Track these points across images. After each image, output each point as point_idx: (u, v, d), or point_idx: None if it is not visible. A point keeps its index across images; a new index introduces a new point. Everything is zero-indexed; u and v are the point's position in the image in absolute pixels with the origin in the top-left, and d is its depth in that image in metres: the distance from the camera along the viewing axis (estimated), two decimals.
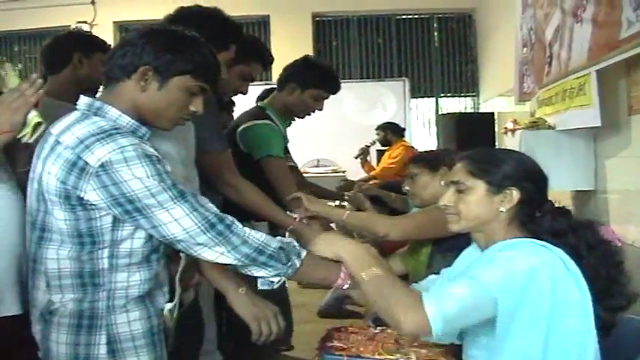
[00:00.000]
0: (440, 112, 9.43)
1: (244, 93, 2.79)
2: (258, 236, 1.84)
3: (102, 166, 1.69)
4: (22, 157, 2.02)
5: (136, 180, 1.70)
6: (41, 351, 1.86)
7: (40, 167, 1.80)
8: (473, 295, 1.62)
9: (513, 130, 4.58)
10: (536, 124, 4.35)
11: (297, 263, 1.87)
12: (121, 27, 9.38)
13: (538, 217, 1.85)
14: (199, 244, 1.77)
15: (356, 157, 7.03)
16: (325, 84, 3.38)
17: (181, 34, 1.92)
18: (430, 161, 2.71)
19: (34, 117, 1.91)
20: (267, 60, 3.23)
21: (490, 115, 7.36)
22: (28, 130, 1.91)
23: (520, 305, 1.63)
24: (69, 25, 9.00)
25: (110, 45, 2.84)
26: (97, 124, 1.77)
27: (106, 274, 1.80)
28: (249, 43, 3.03)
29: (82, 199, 1.72)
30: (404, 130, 7.46)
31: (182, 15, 2.57)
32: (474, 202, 1.86)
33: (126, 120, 1.84)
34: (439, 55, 9.63)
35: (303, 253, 1.90)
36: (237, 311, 2.09)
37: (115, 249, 1.79)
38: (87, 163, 1.69)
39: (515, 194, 1.83)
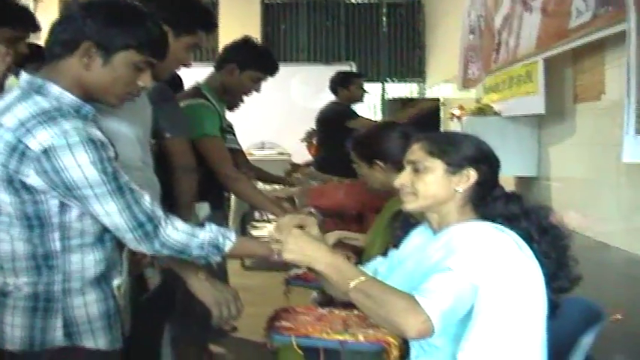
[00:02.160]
0: (386, 97, 9.47)
1: (188, 65, 2.70)
2: (180, 238, 1.82)
3: (44, 151, 1.63)
4: None
5: (77, 168, 1.65)
6: None
7: None
8: (457, 286, 1.61)
9: (460, 117, 4.63)
10: (482, 111, 4.40)
11: (226, 248, 1.89)
12: (67, 3, 9.17)
13: (490, 200, 1.86)
14: (126, 238, 1.77)
15: (302, 141, 7.02)
16: (264, 65, 3.36)
17: (124, 6, 1.85)
18: (364, 156, 2.72)
19: None
20: (211, 24, 2.83)
21: (436, 101, 7.43)
22: None
23: (490, 290, 1.63)
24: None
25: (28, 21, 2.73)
26: (39, 104, 1.69)
27: (59, 255, 1.75)
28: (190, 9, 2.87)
29: (24, 183, 1.67)
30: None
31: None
32: (432, 181, 1.86)
33: (69, 98, 1.75)
34: (387, 40, 9.66)
35: (232, 236, 1.91)
36: (198, 295, 2.06)
37: (66, 230, 1.75)
38: (28, 147, 1.63)
39: (472, 175, 1.84)
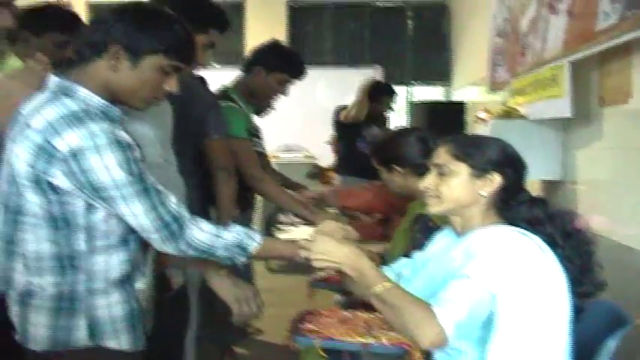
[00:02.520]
0: (411, 101, 9.44)
1: (204, 65, 2.72)
2: (205, 239, 1.86)
3: (71, 152, 1.67)
4: None
5: (103, 169, 1.69)
6: (19, 334, 1.84)
7: (10, 149, 1.77)
8: (474, 294, 1.63)
9: (485, 120, 4.61)
10: (508, 114, 4.38)
11: (251, 249, 1.93)
12: (93, 7, 9.25)
13: (515, 204, 1.86)
14: (151, 239, 1.81)
15: (327, 143, 7.02)
16: (291, 68, 3.39)
17: (154, 11, 1.89)
18: (382, 161, 2.72)
19: None
20: (223, 23, 2.92)
21: (461, 104, 7.40)
22: None
23: (512, 296, 1.64)
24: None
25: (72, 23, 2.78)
26: (67, 106, 1.73)
27: (84, 256, 1.79)
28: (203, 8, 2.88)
29: (51, 184, 1.71)
30: None
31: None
32: (456, 184, 1.87)
33: (96, 100, 1.80)
34: (412, 43, 9.62)
35: (258, 237, 1.95)
36: (219, 292, 2.11)
37: (92, 231, 1.78)
38: (55, 149, 1.67)
39: (497, 179, 1.85)
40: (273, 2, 9.42)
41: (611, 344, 1.65)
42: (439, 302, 1.62)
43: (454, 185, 1.88)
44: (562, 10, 3.74)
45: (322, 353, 2.03)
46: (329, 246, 1.80)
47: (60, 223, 1.75)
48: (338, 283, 2.66)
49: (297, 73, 3.44)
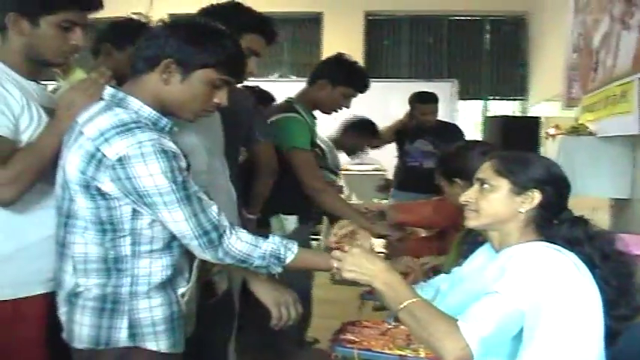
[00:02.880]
0: (487, 115, 9.34)
1: (252, 73, 2.73)
2: (243, 248, 1.90)
3: (119, 159, 1.74)
4: None
5: (148, 177, 1.76)
6: (65, 332, 1.93)
7: (64, 155, 1.86)
8: (502, 311, 1.63)
9: (554, 135, 4.54)
10: (576, 130, 4.30)
11: (288, 260, 1.96)
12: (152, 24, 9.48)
13: (556, 223, 1.84)
14: (191, 245, 1.86)
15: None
16: (356, 82, 3.41)
17: (205, 26, 1.96)
18: (445, 173, 2.72)
19: None
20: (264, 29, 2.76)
21: (536, 120, 7.27)
22: None
23: (542, 312, 1.63)
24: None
25: None
26: (119, 116, 1.81)
27: (129, 260, 1.86)
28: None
29: (100, 189, 1.79)
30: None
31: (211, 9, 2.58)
32: (496, 199, 1.87)
33: (147, 111, 1.88)
34: (489, 57, 9.54)
35: (295, 248, 1.98)
36: (259, 296, 2.15)
37: (137, 236, 1.85)
38: (105, 156, 1.75)
39: (536, 196, 1.84)
40: (350, 15, 9.48)
41: None
42: (466, 317, 1.62)
43: (493, 200, 1.87)
44: (634, 25, 3.66)
45: None
46: (361, 260, 1.82)
47: (107, 226, 1.82)
48: None
49: (362, 86, 3.48)
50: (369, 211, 3.47)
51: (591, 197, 4.46)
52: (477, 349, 1.58)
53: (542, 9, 8.11)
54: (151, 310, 1.88)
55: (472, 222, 1.92)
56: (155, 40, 1.91)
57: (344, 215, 3.33)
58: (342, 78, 3.38)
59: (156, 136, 1.80)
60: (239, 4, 2.42)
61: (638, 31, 3.59)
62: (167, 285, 1.91)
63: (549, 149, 4.69)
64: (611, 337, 1.71)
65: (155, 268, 1.88)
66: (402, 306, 1.71)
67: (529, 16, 9.14)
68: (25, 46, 2.04)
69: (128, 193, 1.78)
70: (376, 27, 9.71)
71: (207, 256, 1.88)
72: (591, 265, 1.74)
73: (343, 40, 8.87)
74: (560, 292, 1.63)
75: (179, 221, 1.81)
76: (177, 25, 1.94)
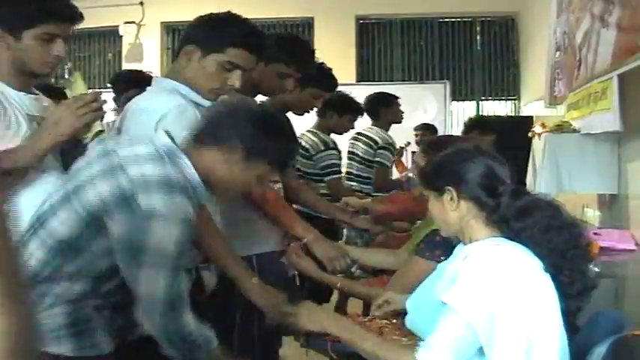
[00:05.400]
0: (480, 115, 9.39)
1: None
2: (194, 330, 1.89)
3: (149, 212, 1.75)
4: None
5: (162, 238, 1.76)
6: None
7: (87, 174, 1.83)
8: (456, 333, 1.65)
9: (540, 134, 4.60)
10: (560, 128, 4.36)
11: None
12: (169, 27, 9.57)
13: (498, 203, 1.79)
14: (146, 306, 1.83)
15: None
16: (324, 82, 3.49)
17: (272, 120, 2.01)
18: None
19: (97, 124, 2.10)
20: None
21: (528, 119, 7.34)
22: (89, 135, 2.10)
23: (496, 324, 1.62)
24: (117, 26, 9.23)
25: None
26: (167, 171, 1.80)
27: (58, 282, 1.84)
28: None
29: (104, 222, 1.79)
30: (436, 131, 7.51)
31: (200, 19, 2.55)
32: (434, 210, 1.92)
33: (195, 178, 1.89)
34: (481, 58, 9.59)
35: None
36: (251, 297, 2.26)
37: (85, 271, 1.84)
38: (138, 204, 1.75)
39: (452, 192, 1.84)
40: (341, 19, 9.51)
41: (599, 351, 1.62)
42: (425, 348, 1.68)
43: (433, 211, 1.92)
44: (612, 23, 3.73)
45: (334, 355, 2.10)
46: (314, 313, 1.97)
47: (67, 252, 1.82)
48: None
49: (329, 87, 3.57)
50: (350, 207, 3.50)
51: (580, 194, 4.53)
52: None
53: (531, 9, 8.17)
54: (53, 317, 1.84)
55: (443, 233, 1.98)
56: (230, 121, 1.95)
57: (321, 209, 3.40)
58: (310, 79, 3.42)
59: (189, 203, 1.83)
60: (230, 16, 2.42)
61: (616, 29, 3.66)
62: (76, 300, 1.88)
63: (536, 148, 4.75)
64: (571, 316, 1.73)
65: (71, 289, 1.86)
66: (360, 345, 1.83)
67: (518, 16, 9.19)
68: (12, 58, 2.12)
69: (126, 242, 1.78)
70: (368, 31, 9.75)
71: (153, 321, 1.84)
72: (544, 233, 1.73)
73: (335, 44, 8.92)
74: (512, 301, 1.63)
75: (155, 285, 1.79)
76: (252, 113, 2.00)
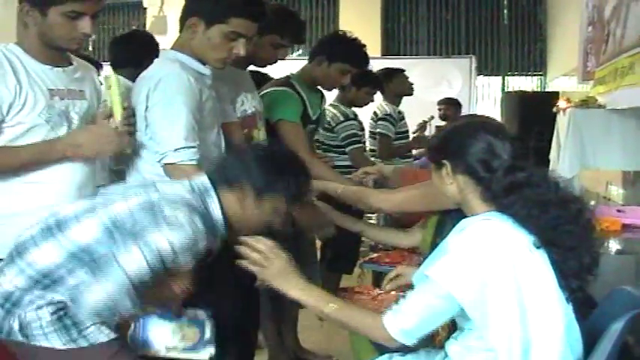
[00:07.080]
0: (505, 90, 9.30)
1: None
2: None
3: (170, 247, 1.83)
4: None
5: (162, 247, 1.83)
6: None
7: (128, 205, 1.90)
8: (428, 302, 1.68)
9: (565, 109, 4.53)
10: (586, 103, 4.29)
11: None
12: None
13: (493, 178, 1.75)
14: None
15: (414, 133, 7.01)
16: (352, 59, 3.43)
17: (284, 156, 2.13)
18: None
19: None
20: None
21: (555, 94, 7.24)
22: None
23: (484, 292, 1.63)
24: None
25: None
26: (198, 213, 1.91)
27: (62, 284, 1.85)
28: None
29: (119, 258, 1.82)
30: (460, 106, 7.45)
31: None
32: (435, 181, 1.91)
33: (220, 220, 2.00)
34: (507, 33, 9.46)
35: None
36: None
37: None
38: (165, 215, 1.85)
39: (447, 165, 1.83)
40: None
41: (616, 327, 1.59)
42: (392, 311, 1.72)
43: (435, 183, 1.91)
44: None
45: None
46: (286, 273, 1.93)
47: (84, 256, 1.84)
48: (387, 264, 2.73)
49: (359, 63, 3.51)
50: (367, 175, 3.42)
51: (604, 171, 4.46)
52: (401, 339, 1.70)
53: None
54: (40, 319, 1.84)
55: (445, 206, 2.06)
56: (240, 163, 2.05)
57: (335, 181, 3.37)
58: (339, 55, 3.40)
59: (204, 234, 1.91)
60: None
61: None
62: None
63: (561, 123, 4.68)
64: (578, 292, 1.71)
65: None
66: (324, 311, 1.85)
67: None
68: (39, 33, 2.14)
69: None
70: (393, 4, 9.67)
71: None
72: (531, 209, 1.70)
73: (360, 18, 8.87)
74: (499, 270, 1.63)
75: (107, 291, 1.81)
76: (264, 152, 2.11)
